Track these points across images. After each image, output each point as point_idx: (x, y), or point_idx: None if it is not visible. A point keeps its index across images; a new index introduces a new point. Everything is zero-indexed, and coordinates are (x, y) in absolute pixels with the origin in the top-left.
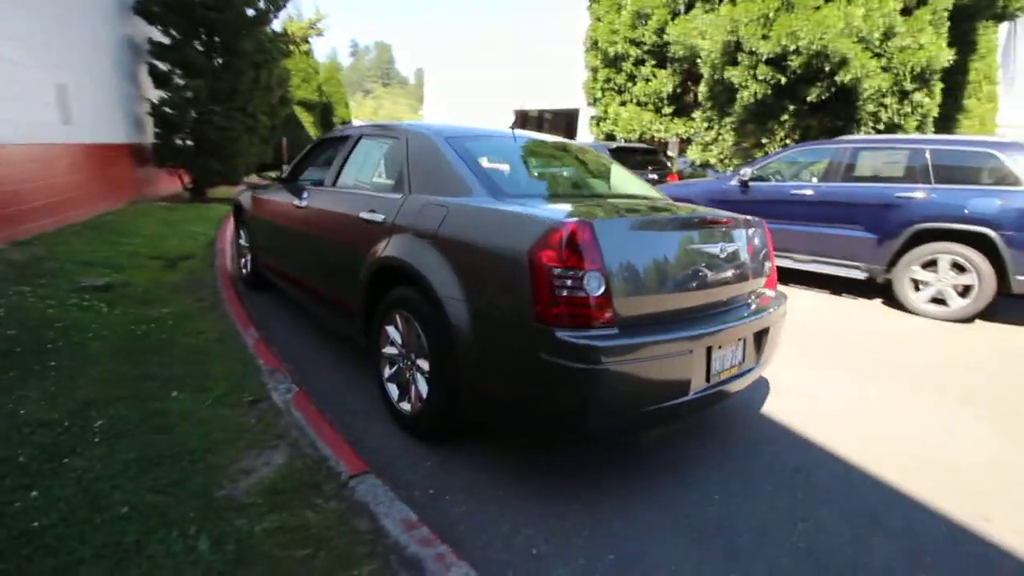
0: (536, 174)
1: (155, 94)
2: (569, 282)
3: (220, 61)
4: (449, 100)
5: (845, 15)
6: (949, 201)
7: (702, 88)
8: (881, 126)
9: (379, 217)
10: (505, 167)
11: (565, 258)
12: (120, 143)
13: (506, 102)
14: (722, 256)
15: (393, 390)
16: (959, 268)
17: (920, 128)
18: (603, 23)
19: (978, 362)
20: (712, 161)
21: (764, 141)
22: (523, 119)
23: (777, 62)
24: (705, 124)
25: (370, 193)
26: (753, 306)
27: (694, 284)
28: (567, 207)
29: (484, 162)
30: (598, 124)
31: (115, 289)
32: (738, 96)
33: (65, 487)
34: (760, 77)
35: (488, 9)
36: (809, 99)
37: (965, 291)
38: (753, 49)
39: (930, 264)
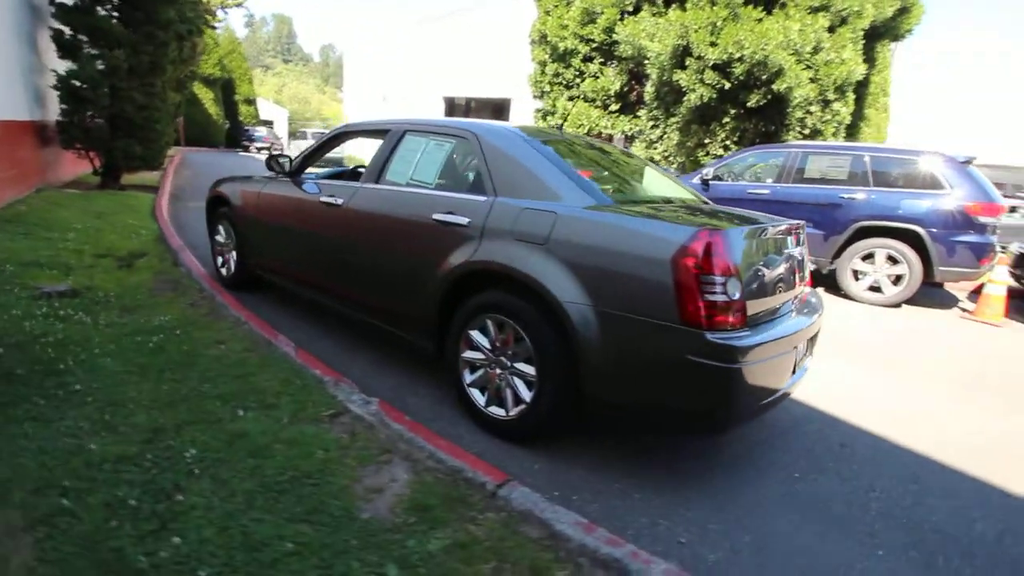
0: (611, 176)
1: (61, 65)
2: (714, 287)
3: (137, 31)
4: (372, 84)
5: (784, 29)
6: (886, 202)
7: (649, 88)
8: (807, 131)
9: (462, 220)
10: (586, 170)
11: (708, 265)
12: (22, 120)
13: (434, 88)
14: (796, 258)
15: (477, 395)
16: (893, 260)
17: (835, 134)
18: (552, 17)
19: (902, 338)
20: (657, 158)
21: (707, 141)
22: (450, 106)
23: (723, 68)
24: (651, 122)
25: (440, 194)
26: (811, 305)
27: (781, 285)
28: (686, 216)
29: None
30: (545, 118)
31: (83, 295)
32: (686, 98)
33: (202, 528)
34: (707, 81)
35: None
36: (749, 104)
37: (897, 280)
38: (702, 54)
39: (868, 256)
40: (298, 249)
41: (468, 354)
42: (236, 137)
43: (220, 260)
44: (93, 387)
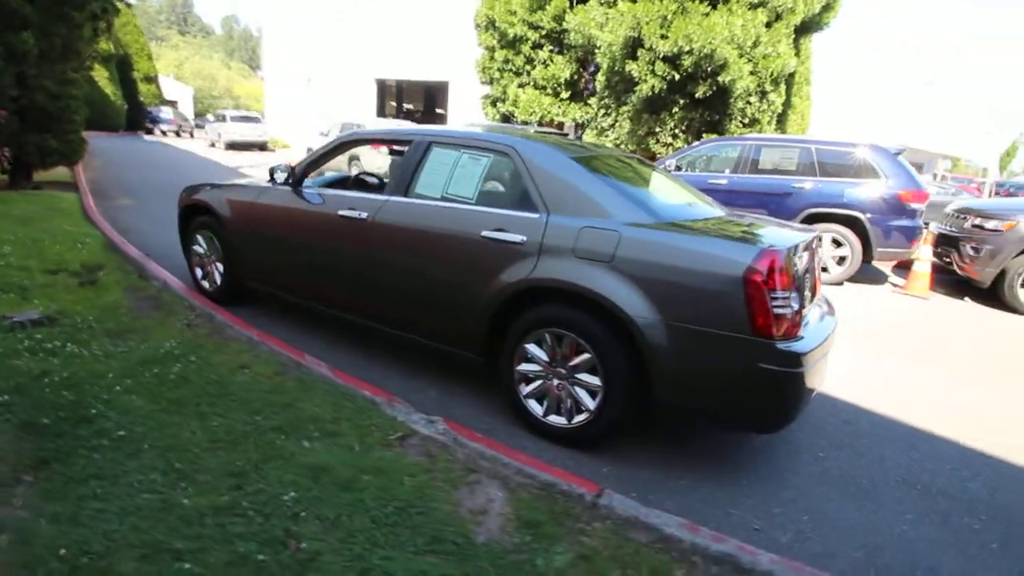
0: (647, 188)
1: None
2: (780, 300)
3: (48, 10)
4: (295, 63)
5: (728, 24)
6: (831, 190)
7: (600, 77)
8: (746, 120)
9: (516, 238)
10: (634, 185)
11: (774, 280)
12: None
13: (365, 69)
14: (816, 265)
15: (535, 406)
16: (837, 243)
17: (770, 123)
18: (500, 2)
19: (854, 313)
20: (608, 146)
21: (657, 130)
22: (382, 89)
23: (672, 60)
24: (602, 111)
25: (485, 210)
26: (826, 306)
27: (809, 291)
28: (742, 232)
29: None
30: (494, 104)
31: (59, 322)
32: (637, 88)
33: (342, 574)
34: (658, 72)
35: None
36: (697, 95)
37: (841, 261)
38: (653, 46)
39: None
40: (308, 262)
41: (524, 367)
42: (138, 120)
43: (200, 272)
44: (137, 431)
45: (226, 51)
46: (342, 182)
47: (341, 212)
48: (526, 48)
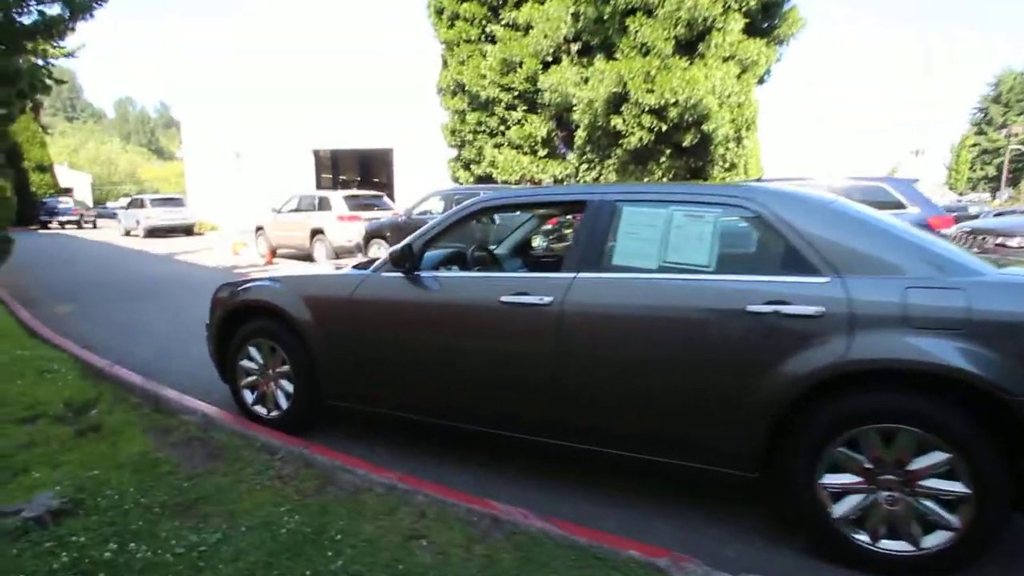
0: (920, 236)
1: None
2: None
3: None
4: (220, 140)
5: (709, 77)
6: None
7: (580, 132)
8: (727, 164)
9: (807, 310)
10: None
11: None
12: None
13: (300, 141)
14: None
15: (863, 537)
16: None
17: (746, 166)
18: (468, 67)
19: None
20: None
21: (645, 179)
22: (318, 160)
23: (659, 112)
24: (584, 165)
25: (739, 280)
26: None
27: None
28: None
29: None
30: (467, 167)
31: (85, 503)
32: (625, 140)
33: None
34: (645, 124)
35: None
36: (683, 144)
37: None
38: (639, 100)
39: None
40: (451, 369)
41: (832, 479)
42: (30, 213)
43: (252, 394)
44: None
45: (121, 135)
46: (455, 261)
47: (504, 299)
48: (499, 109)
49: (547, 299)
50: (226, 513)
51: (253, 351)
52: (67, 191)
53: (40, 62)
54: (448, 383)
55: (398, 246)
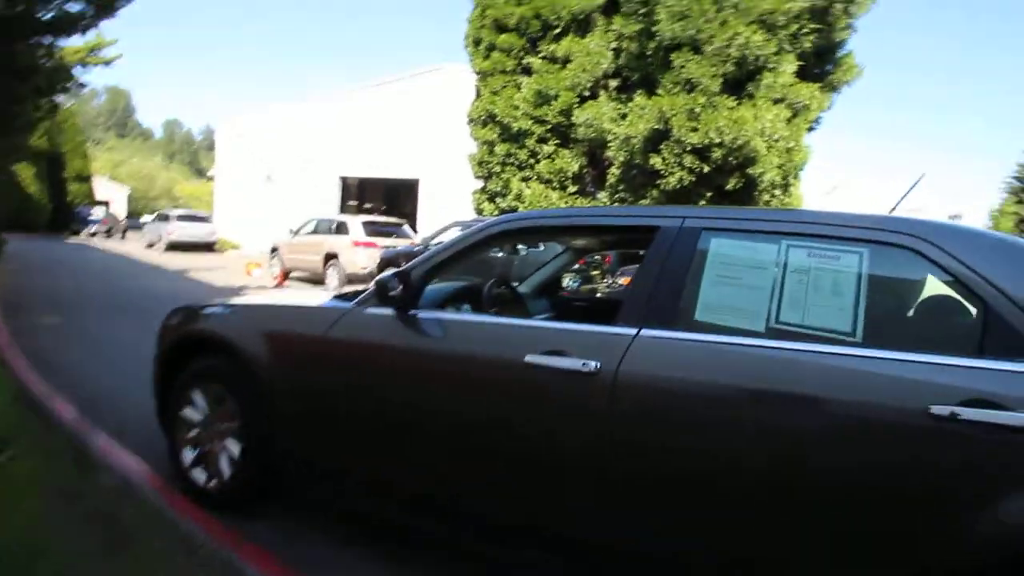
0: None
1: None
2: None
3: None
4: (252, 163)
5: (757, 118)
6: None
7: (614, 170)
8: None
9: None
10: None
11: None
12: None
13: (328, 167)
14: None
15: None
16: None
17: None
18: (502, 98)
19: None
20: None
21: None
22: (345, 187)
23: (701, 152)
24: (616, 204)
25: (906, 360)
26: None
27: None
28: None
29: None
30: (492, 200)
31: None
32: (664, 181)
33: None
34: (686, 164)
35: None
36: (727, 187)
37: None
38: (681, 138)
39: None
40: (450, 450)
41: None
42: (63, 220)
43: (191, 454)
44: None
45: (166, 154)
46: (466, 299)
47: (532, 359)
48: (530, 142)
49: (593, 364)
50: None
51: (197, 397)
52: (103, 203)
53: (79, 67)
54: (439, 470)
55: (387, 273)
